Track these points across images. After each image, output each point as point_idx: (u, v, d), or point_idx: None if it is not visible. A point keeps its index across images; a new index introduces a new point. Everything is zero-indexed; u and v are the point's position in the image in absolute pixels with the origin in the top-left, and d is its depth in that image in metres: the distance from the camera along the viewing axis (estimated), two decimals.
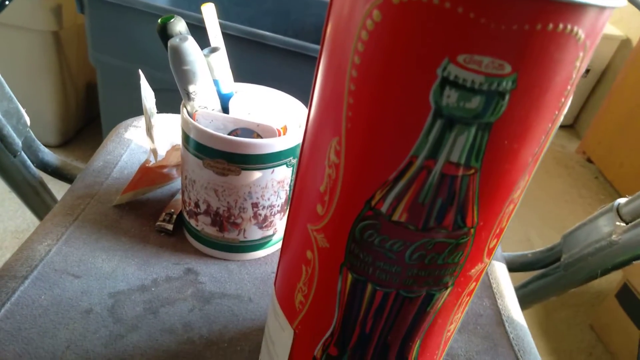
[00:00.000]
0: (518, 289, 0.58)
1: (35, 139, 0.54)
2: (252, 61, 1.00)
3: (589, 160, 2.09)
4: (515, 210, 0.22)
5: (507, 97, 0.16)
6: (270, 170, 0.39)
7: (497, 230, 0.21)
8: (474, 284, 0.23)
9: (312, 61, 0.99)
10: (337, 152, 0.20)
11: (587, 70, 2.20)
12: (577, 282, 0.52)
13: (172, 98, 0.51)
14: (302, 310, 0.25)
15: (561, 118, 0.19)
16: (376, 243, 0.20)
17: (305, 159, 0.23)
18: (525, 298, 0.57)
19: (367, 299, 0.22)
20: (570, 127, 2.41)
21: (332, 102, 0.19)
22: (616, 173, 1.87)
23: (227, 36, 0.43)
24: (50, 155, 0.56)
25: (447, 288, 0.22)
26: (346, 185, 0.20)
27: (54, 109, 1.39)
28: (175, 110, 0.45)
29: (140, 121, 0.57)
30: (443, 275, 0.22)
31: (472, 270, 0.22)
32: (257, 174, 0.38)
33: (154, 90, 0.45)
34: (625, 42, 2.14)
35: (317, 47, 0.97)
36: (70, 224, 0.42)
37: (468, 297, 0.24)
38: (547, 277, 0.55)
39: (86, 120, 1.57)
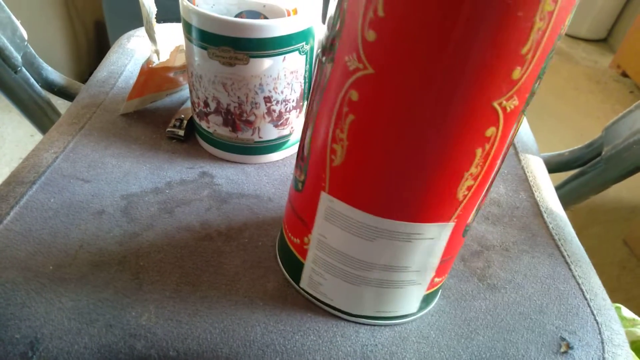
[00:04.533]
0: (555, 190, 0.54)
1: (37, 57, 0.51)
2: None
3: (624, 75, 1.97)
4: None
5: None
6: (281, 57, 0.35)
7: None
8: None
9: None
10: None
11: None
12: (620, 175, 0.48)
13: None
14: (467, 195, 0.24)
15: None
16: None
17: (483, 43, 0.20)
18: (563, 199, 0.54)
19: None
20: (603, 41, 2.27)
21: None
22: None
23: None
24: (54, 74, 0.54)
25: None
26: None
27: (65, 50, 1.36)
28: None
29: (144, 31, 0.53)
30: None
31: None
32: (267, 62, 0.35)
33: (164, 20, 0.41)
34: None
35: None
36: (76, 133, 0.40)
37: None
38: (587, 175, 0.52)
39: (99, 60, 1.54)
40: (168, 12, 0.66)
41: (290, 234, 0.30)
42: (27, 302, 0.28)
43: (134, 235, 0.32)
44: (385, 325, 0.29)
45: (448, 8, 0.18)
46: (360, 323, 0.29)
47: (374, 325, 0.29)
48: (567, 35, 2.29)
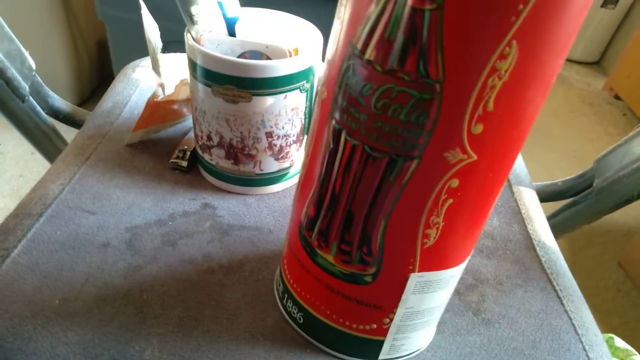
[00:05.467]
0: (548, 219, 0.55)
1: (44, 85, 0.53)
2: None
3: (617, 97, 2.00)
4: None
5: None
6: (283, 95, 0.36)
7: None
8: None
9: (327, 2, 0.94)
10: None
11: (616, 1, 2.07)
12: (611, 207, 0.49)
13: (183, 50, 0.49)
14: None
15: None
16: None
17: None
18: (556, 228, 0.55)
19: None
20: (596, 64, 2.31)
21: None
22: None
23: None
24: (60, 102, 0.55)
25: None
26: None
27: (67, 68, 1.38)
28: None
29: (148, 61, 0.55)
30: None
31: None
32: (269, 100, 0.36)
33: (164, 42, 0.43)
34: None
35: None
36: (82, 164, 0.41)
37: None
38: (579, 205, 0.53)
39: (101, 79, 1.56)
40: (171, 34, 0.68)
41: (355, 325, 0.28)
42: (33, 336, 0.28)
43: (137, 268, 0.33)
44: None
45: (543, 95, 0.20)
46: None
47: None
48: None
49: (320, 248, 0.26)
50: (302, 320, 0.30)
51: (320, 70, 0.39)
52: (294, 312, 0.30)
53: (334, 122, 0.22)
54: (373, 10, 0.19)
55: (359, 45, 0.19)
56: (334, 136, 0.22)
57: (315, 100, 0.26)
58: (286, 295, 0.31)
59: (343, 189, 0.23)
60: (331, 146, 0.23)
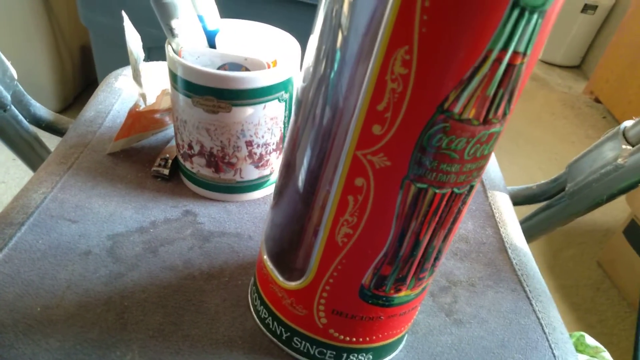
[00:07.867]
0: (523, 222, 0.57)
1: (26, 94, 0.53)
2: (240, 12, 0.97)
3: (597, 101, 2.04)
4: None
5: None
6: (262, 105, 0.37)
7: None
8: None
9: (305, 9, 0.95)
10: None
11: (595, 7, 2.12)
12: (583, 210, 0.51)
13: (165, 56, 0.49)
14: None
15: None
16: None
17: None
18: (531, 230, 0.57)
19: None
20: (576, 67, 2.35)
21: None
22: (625, 110, 1.83)
23: None
24: (42, 110, 0.55)
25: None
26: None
27: (50, 74, 1.37)
28: None
29: (130, 70, 0.55)
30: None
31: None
32: (248, 110, 0.37)
33: (147, 48, 0.43)
34: None
35: None
36: (64, 173, 0.42)
37: None
38: (552, 208, 0.55)
39: (84, 85, 1.55)
40: (155, 40, 0.68)
41: (402, 328, 0.30)
42: (15, 343, 0.29)
43: (119, 276, 0.34)
44: None
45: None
46: None
47: None
48: (543, 61, 2.37)
49: (397, 292, 0.27)
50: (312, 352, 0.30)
51: (297, 81, 0.40)
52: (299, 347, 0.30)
53: (416, 185, 0.22)
54: (473, 74, 0.19)
55: (457, 109, 0.20)
56: (417, 196, 0.23)
57: (336, 179, 0.23)
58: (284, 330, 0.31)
59: (427, 234, 0.24)
60: (411, 207, 0.23)
